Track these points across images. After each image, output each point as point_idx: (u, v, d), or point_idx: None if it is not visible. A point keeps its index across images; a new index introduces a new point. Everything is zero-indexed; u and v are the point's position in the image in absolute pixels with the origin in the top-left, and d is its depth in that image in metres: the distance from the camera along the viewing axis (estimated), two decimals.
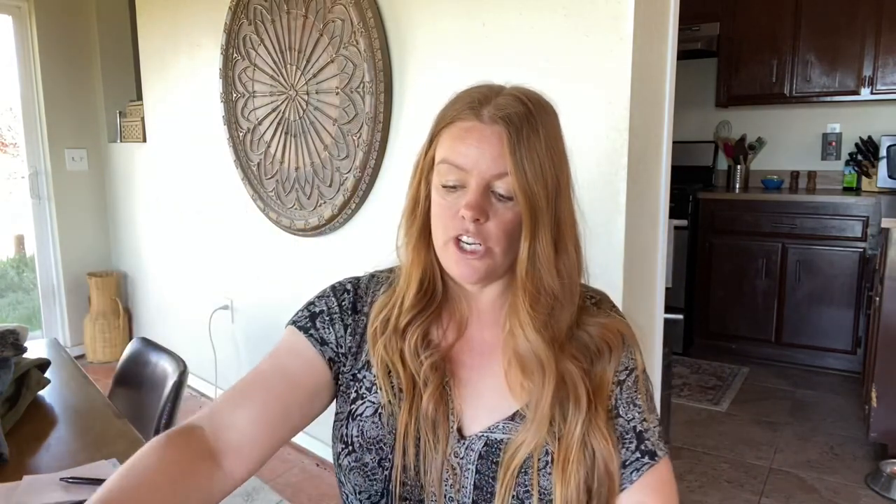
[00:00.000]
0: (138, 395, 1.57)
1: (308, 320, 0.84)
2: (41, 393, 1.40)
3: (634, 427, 0.77)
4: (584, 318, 0.79)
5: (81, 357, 3.81)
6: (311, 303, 0.87)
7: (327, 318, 0.84)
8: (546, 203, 0.72)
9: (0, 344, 1.35)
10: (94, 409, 1.37)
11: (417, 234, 0.80)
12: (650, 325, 1.88)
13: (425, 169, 0.79)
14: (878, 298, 2.53)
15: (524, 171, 0.71)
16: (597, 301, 0.85)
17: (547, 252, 0.73)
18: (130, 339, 2.87)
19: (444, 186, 0.75)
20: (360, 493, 0.78)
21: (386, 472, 0.76)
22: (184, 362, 1.49)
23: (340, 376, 0.84)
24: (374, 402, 0.79)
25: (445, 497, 0.75)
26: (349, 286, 0.88)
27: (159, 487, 0.68)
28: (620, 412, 0.77)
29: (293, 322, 0.85)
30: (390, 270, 0.88)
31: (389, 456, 0.76)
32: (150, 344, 1.65)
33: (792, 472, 2.48)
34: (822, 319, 3.47)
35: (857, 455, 2.60)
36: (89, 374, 1.58)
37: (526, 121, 0.72)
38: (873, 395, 2.48)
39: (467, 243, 0.74)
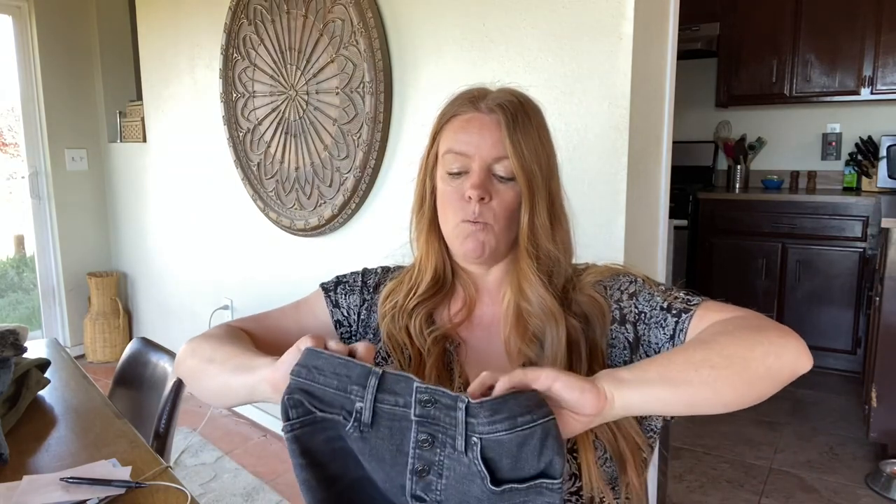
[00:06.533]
0: (138, 395, 1.57)
1: (333, 284, 0.98)
2: (41, 393, 1.40)
3: (661, 307, 0.79)
4: (577, 284, 0.86)
5: (81, 357, 3.81)
6: (343, 274, 0.99)
7: (349, 288, 0.96)
8: (542, 181, 0.81)
9: (0, 344, 1.35)
10: (94, 409, 1.36)
11: (427, 226, 0.88)
12: None
13: (429, 165, 0.87)
14: (878, 298, 2.52)
15: (522, 152, 0.79)
16: (585, 268, 0.91)
17: (545, 223, 0.82)
18: (130, 339, 2.87)
19: (450, 174, 0.83)
20: None
21: None
22: None
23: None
24: None
25: None
26: (379, 269, 0.99)
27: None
28: (644, 309, 0.80)
29: (322, 283, 0.98)
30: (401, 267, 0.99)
31: None
32: (150, 344, 1.65)
33: (792, 472, 2.48)
34: (821, 319, 3.46)
35: (857, 455, 2.60)
36: (89, 374, 1.57)
37: (520, 108, 0.81)
38: (873, 395, 2.48)
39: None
